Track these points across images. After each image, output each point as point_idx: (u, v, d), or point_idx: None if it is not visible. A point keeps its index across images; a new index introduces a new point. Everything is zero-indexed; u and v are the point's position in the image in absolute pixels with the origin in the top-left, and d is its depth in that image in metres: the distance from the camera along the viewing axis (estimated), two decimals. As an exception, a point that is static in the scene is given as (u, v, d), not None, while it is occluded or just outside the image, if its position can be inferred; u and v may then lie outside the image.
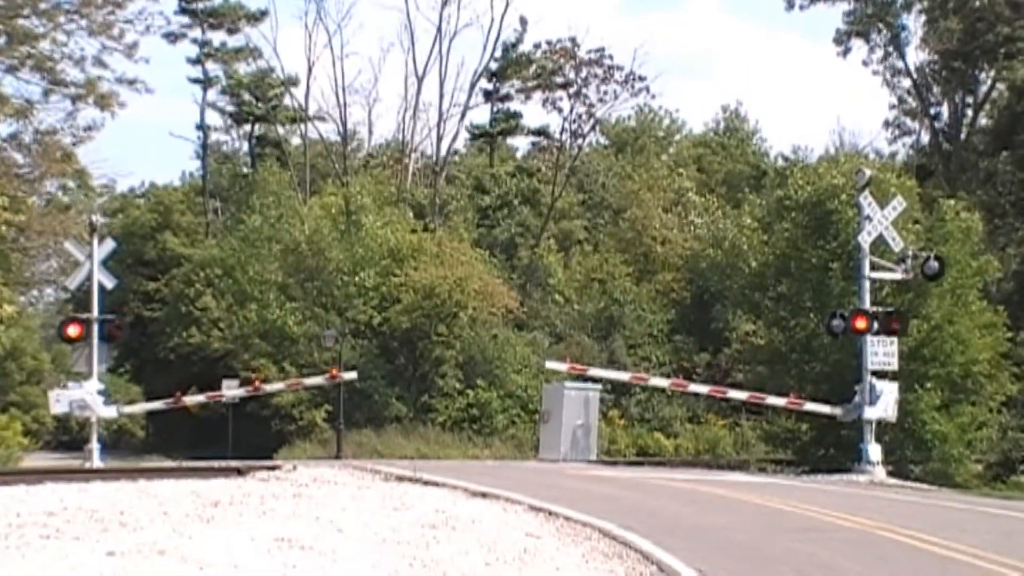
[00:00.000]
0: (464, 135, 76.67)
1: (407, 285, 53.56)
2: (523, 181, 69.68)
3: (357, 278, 54.98)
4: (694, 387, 39.58)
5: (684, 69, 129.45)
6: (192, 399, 42.97)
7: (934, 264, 36.28)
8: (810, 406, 37.87)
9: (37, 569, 13.15)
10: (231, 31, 76.80)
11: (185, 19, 75.66)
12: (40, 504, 19.49)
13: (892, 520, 20.33)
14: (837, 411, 36.67)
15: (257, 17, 75.16)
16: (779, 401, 38.72)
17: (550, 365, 40.20)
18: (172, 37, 74.63)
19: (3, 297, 44.82)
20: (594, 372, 39.68)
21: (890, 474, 35.35)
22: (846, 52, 70.05)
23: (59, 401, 36.98)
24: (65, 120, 48.83)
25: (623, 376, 38.64)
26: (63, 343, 42.51)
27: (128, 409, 47.45)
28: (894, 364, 35.46)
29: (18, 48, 47.58)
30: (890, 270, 36.86)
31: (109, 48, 49.02)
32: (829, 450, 39.84)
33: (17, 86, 48.25)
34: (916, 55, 70.10)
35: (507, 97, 75.81)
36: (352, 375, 42.90)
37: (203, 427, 46.59)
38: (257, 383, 41.83)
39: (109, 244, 38.71)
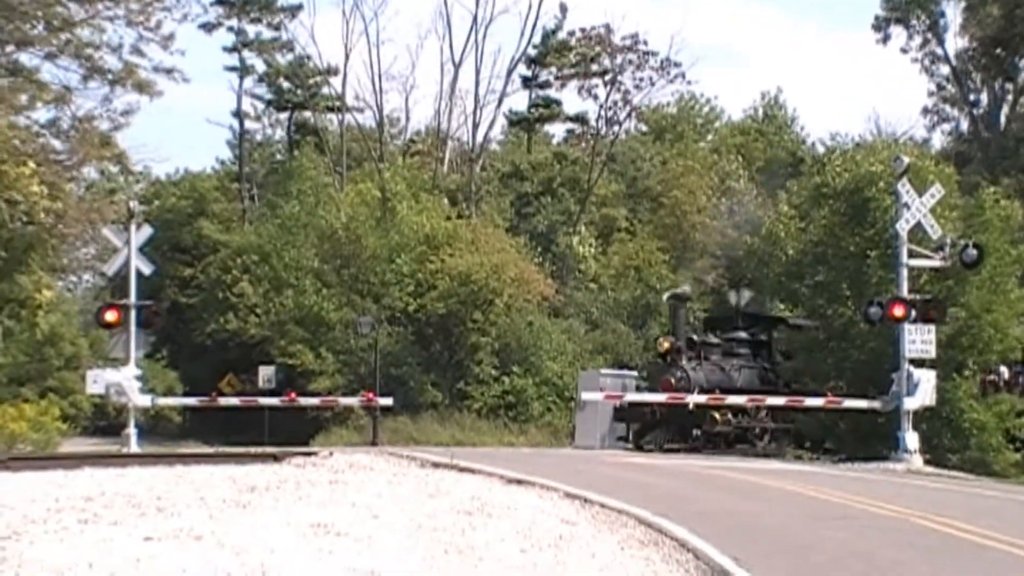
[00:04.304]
0: (501, 122, 76.76)
1: (443, 272, 53.66)
2: (565, 168, 69.65)
3: (393, 265, 55.09)
4: (731, 399, 39.51)
5: (720, 56, 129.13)
6: (226, 400, 43.19)
7: (972, 252, 36.03)
8: (849, 403, 37.71)
9: (75, 554, 13.20)
10: (268, 24, 77.00)
11: (221, 9, 75.77)
12: (78, 489, 19.57)
13: (928, 508, 20.24)
14: (876, 404, 36.52)
15: (292, 11, 75.35)
16: (817, 402, 38.56)
17: (585, 396, 40.16)
18: (208, 27, 74.77)
19: (42, 283, 45.06)
20: (630, 397, 39.64)
21: (927, 463, 35.18)
22: (885, 39, 69.81)
23: (96, 382, 37.09)
24: (102, 105, 48.99)
25: (660, 397, 38.51)
26: (101, 329, 42.68)
27: (163, 401, 47.73)
28: (932, 352, 35.26)
29: (57, 35, 47.74)
30: (928, 258, 36.65)
31: (146, 38, 49.11)
32: (866, 438, 39.68)
33: (55, 73, 48.45)
34: (955, 42, 69.72)
35: (546, 84, 75.83)
36: (388, 401, 42.88)
37: (239, 413, 46.71)
38: (293, 396, 41.96)
39: (147, 230, 38.79)
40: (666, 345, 40.94)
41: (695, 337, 42.29)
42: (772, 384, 42.81)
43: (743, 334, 44.30)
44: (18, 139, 43.53)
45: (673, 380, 39.59)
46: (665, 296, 49.90)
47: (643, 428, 40.25)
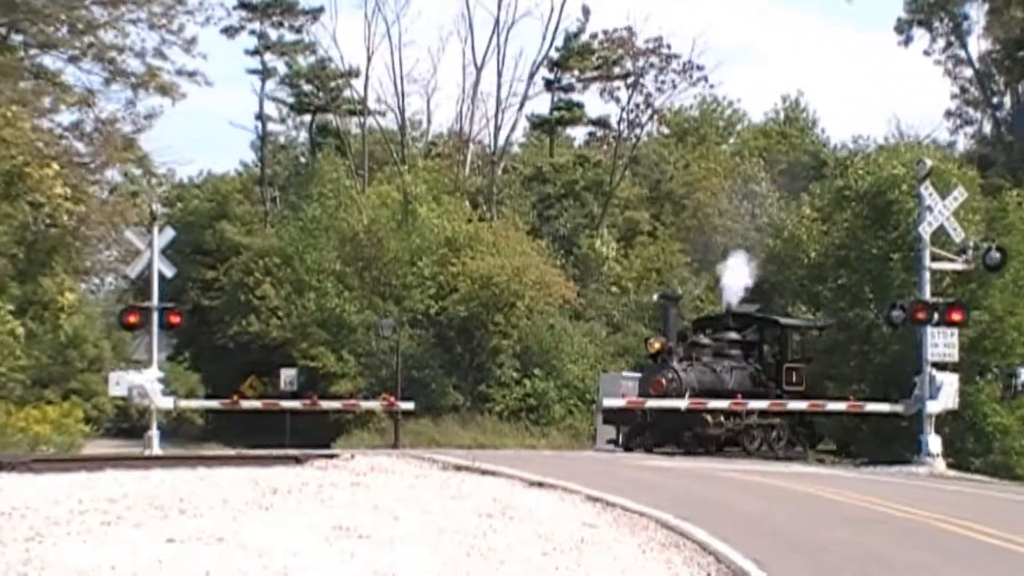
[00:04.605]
0: (523, 124, 76.79)
1: (464, 274, 53.70)
2: (589, 171, 69.72)
3: (414, 267, 55.15)
4: (753, 404, 39.40)
5: (740, 57, 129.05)
6: (248, 403, 43.25)
7: (995, 255, 35.93)
8: (871, 407, 37.67)
9: (98, 556, 13.25)
10: (290, 27, 77.10)
11: (243, 13, 75.84)
12: (101, 491, 19.62)
13: (950, 511, 20.21)
14: (899, 408, 36.44)
15: (313, 14, 75.47)
16: (839, 406, 38.54)
17: (607, 403, 39.66)
18: (231, 31, 74.86)
19: (64, 285, 45.21)
20: (652, 403, 39.00)
21: (950, 466, 35.13)
22: (907, 41, 69.70)
23: (119, 384, 37.22)
24: (126, 108, 49.24)
25: (680, 404, 38.24)
26: (123, 331, 42.81)
27: (185, 403, 47.86)
28: (954, 356, 35.17)
29: (80, 38, 47.97)
30: (951, 261, 36.57)
31: (169, 42, 49.35)
32: (888, 442, 39.65)
33: (79, 76, 48.70)
34: (978, 44, 69.55)
35: (568, 87, 75.81)
36: (409, 405, 42.83)
37: (262, 415, 46.81)
38: (314, 399, 42.08)
39: (169, 233, 38.90)
40: (657, 346, 40.02)
41: (687, 337, 41.73)
42: (764, 386, 42.31)
43: (734, 335, 43.39)
44: (42, 141, 43.74)
45: (664, 381, 39.04)
46: (655, 296, 49.23)
47: (632, 430, 39.67)
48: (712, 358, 41.74)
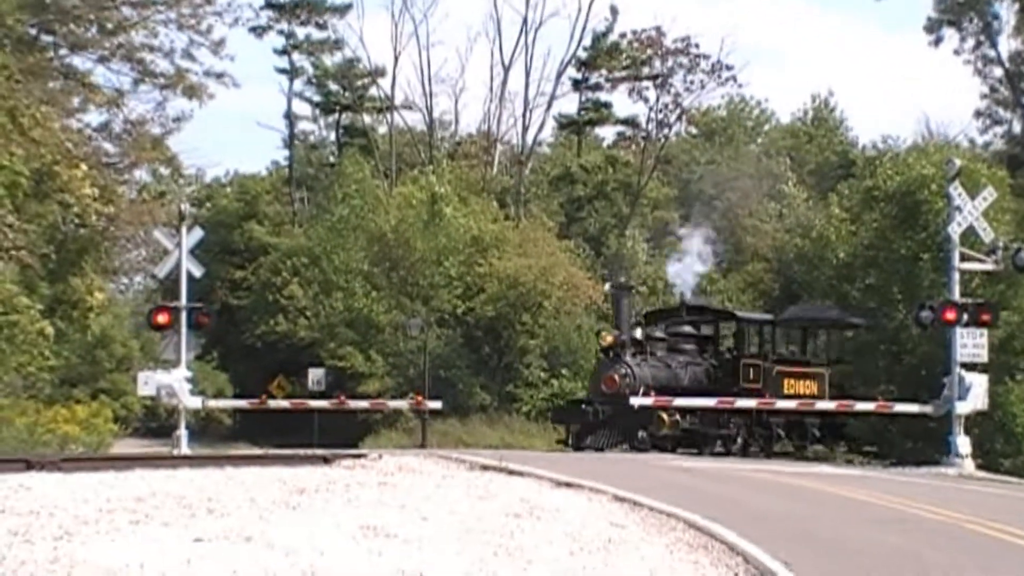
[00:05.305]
0: (551, 125, 76.83)
1: (491, 275, 53.71)
2: (619, 172, 69.69)
3: (441, 267, 55.18)
4: (781, 403, 39.17)
5: (769, 57, 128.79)
6: (276, 403, 43.33)
7: (1025, 255, 35.77)
8: (900, 407, 37.54)
9: (127, 554, 13.26)
10: (317, 25, 77.30)
11: (270, 13, 76.12)
12: (129, 490, 19.63)
13: (980, 513, 20.11)
14: (928, 409, 36.26)
15: (341, 10, 75.61)
16: (868, 406, 38.45)
17: (634, 402, 38.73)
18: (259, 31, 75.11)
19: (93, 285, 45.31)
20: (679, 402, 38.40)
21: (980, 467, 34.97)
22: (937, 41, 69.29)
23: (147, 384, 37.24)
24: (155, 110, 49.35)
25: (710, 402, 37.86)
26: (152, 331, 42.92)
27: (213, 403, 47.95)
28: (984, 356, 34.99)
29: (109, 39, 48.07)
30: (980, 261, 36.37)
31: (197, 43, 49.44)
32: (917, 443, 39.51)
33: (108, 76, 48.82)
34: (1009, 44, 69.21)
35: (596, 87, 75.82)
36: (437, 404, 42.71)
37: (290, 415, 46.93)
38: (342, 399, 42.15)
39: (197, 233, 38.91)
40: (609, 339, 38.92)
41: (639, 331, 40.16)
42: (720, 383, 40.91)
43: (689, 328, 42.27)
44: (71, 142, 43.78)
45: (617, 377, 38.13)
46: (607, 286, 47.99)
47: (584, 430, 38.60)
48: (666, 353, 40.72)
